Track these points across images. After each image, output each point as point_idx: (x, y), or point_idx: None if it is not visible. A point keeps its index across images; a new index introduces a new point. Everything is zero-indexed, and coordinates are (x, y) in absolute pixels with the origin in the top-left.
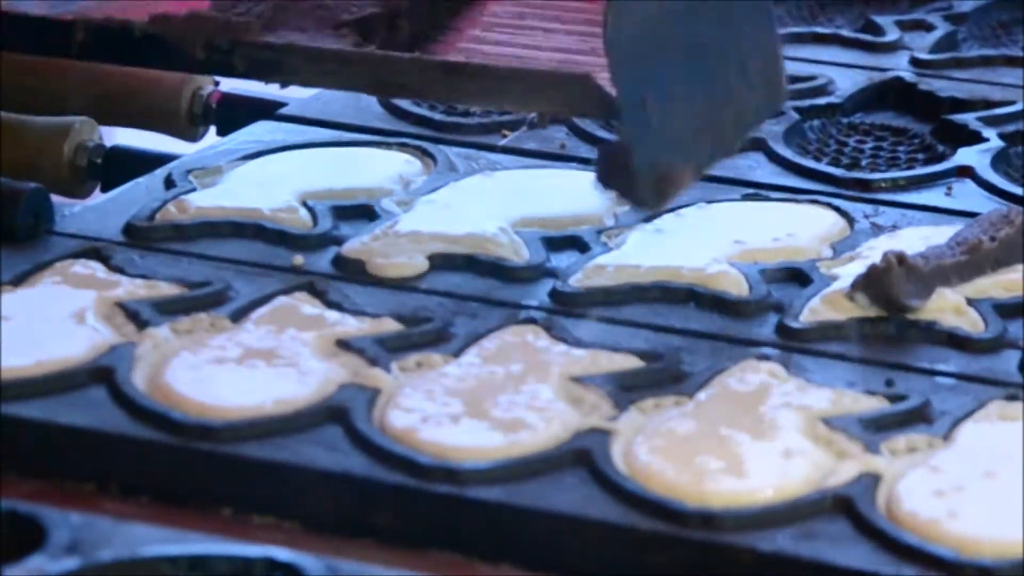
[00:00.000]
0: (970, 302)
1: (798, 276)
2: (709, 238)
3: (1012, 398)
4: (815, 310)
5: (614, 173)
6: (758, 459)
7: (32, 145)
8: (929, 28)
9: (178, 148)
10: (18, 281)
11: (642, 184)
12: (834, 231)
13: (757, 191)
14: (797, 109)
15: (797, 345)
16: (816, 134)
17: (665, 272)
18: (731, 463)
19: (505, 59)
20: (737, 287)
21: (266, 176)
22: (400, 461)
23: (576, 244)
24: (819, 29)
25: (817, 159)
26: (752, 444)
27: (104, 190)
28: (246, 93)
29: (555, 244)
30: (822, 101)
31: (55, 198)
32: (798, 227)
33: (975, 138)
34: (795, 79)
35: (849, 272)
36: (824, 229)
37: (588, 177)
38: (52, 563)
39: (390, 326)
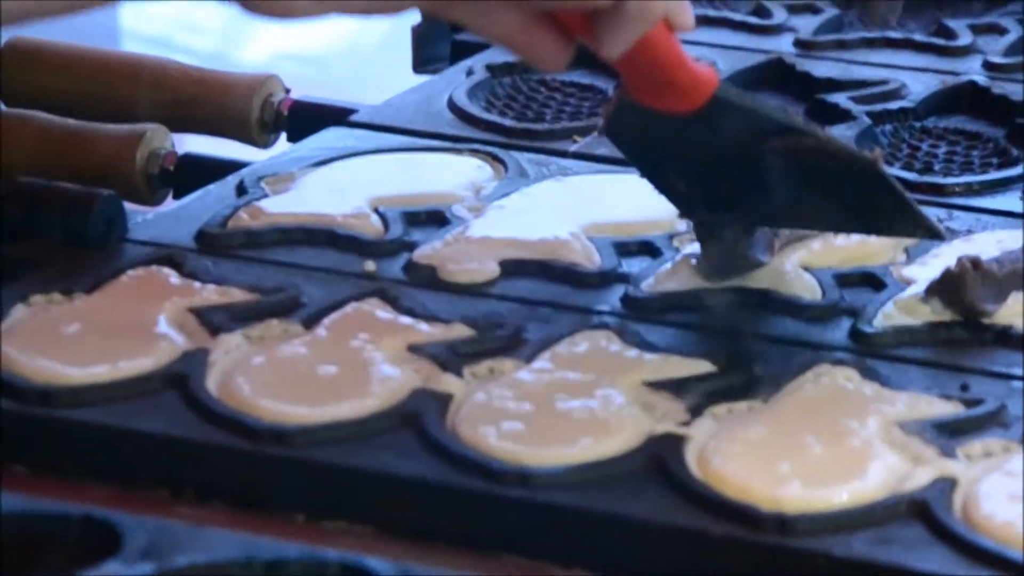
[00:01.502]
0: None
1: (872, 280)
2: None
3: None
4: (889, 315)
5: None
6: (833, 463)
7: (104, 153)
8: (1002, 32)
9: (249, 155)
10: (91, 288)
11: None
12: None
13: None
14: (869, 114)
15: (871, 350)
16: (888, 138)
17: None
18: (806, 467)
19: None
20: (810, 292)
21: (337, 182)
22: (473, 466)
23: (648, 249)
24: (891, 34)
25: (890, 164)
26: (827, 448)
27: (176, 197)
28: (317, 100)
29: (627, 249)
30: (894, 106)
31: (127, 205)
32: None
33: None
34: (867, 83)
35: (923, 277)
36: None
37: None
38: (128, 568)
39: (462, 332)
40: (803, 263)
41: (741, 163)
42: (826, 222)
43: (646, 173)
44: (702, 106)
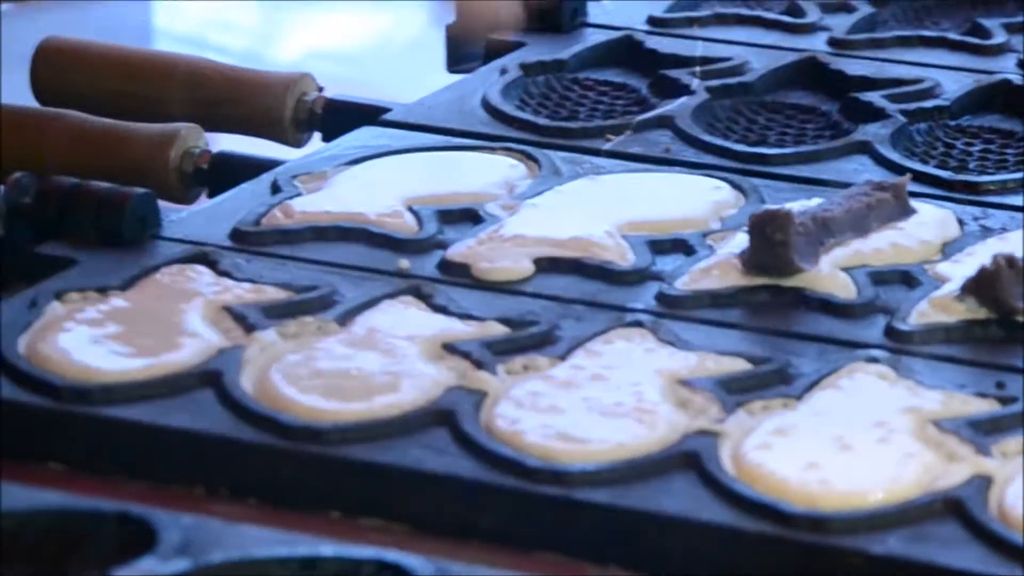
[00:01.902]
0: None
1: (907, 278)
2: None
3: None
4: (924, 313)
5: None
6: (867, 461)
7: (139, 151)
8: None
9: (283, 153)
10: (126, 286)
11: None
12: (943, 234)
13: None
14: (904, 112)
15: (906, 348)
16: (923, 137)
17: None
18: (840, 465)
19: None
20: (845, 290)
21: (371, 181)
22: (507, 463)
23: (682, 247)
24: (925, 32)
25: (924, 162)
26: (861, 446)
27: (210, 196)
28: (351, 99)
29: (661, 247)
30: (929, 104)
31: (162, 203)
32: (907, 228)
33: None
34: (901, 82)
35: (958, 274)
36: (932, 232)
37: (692, 180)
38: (163, 564)
39: (496, 329)
40: (838, 262)
41: None
42: None
43: None
44: None
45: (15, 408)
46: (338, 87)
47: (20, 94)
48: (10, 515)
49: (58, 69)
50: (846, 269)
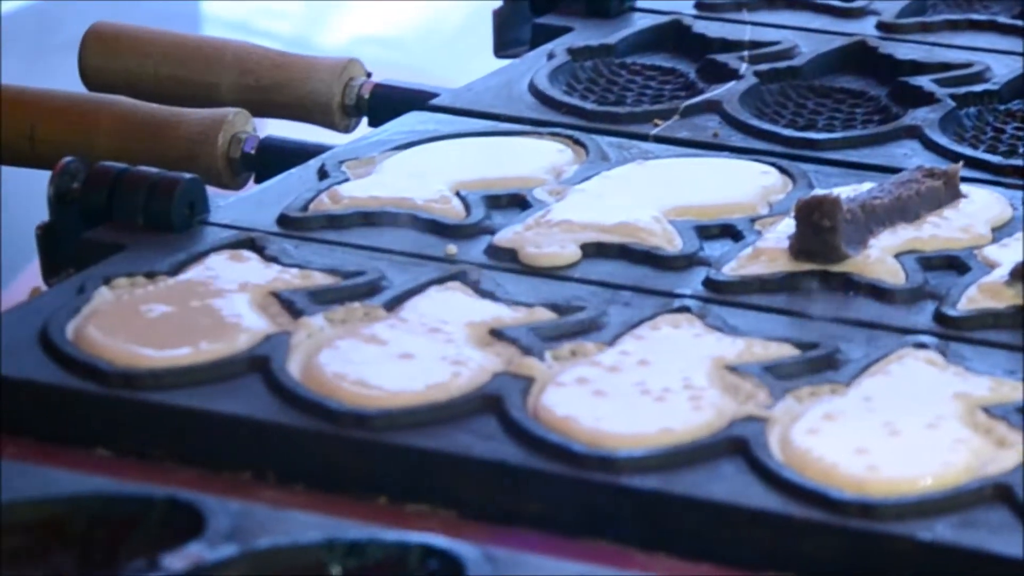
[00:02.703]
0: None
1: (956, 264)
2: None
3: None
4: (973, 298)
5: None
6: (916, 447)
7: (187, 137)
8: None
9: (330, 139)
10: (174, 271)
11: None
12: (992, 219)
13: None
14: (953, 96)
15: (955, 333)
16: (972, 121)
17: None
18: (889, 451)
19: None
20: (894, 275)
21: (419, 166)
22: (554, 449)
23: (730, 232)
24: (975, 16)
25: (974, 147)
26: (910, 432)
27: (258, 181)
28: (398, 84)
29: (708, 232)
30: (978, 88)
31: (209, 189)
32: (956, 213)
33: None
34: (951, 66)
35: (1008, 260)
36: (982, 217)
37: (740, 165)
38: (211, 550)
39: (543, 315)
40: (887, 247)
41: None
42: None
43: None
44: None
45: (64, 394)
46: (385, 72)
47: (69, 80)
48: (59, 500)
49: (106, 54)
50: (895, 255)
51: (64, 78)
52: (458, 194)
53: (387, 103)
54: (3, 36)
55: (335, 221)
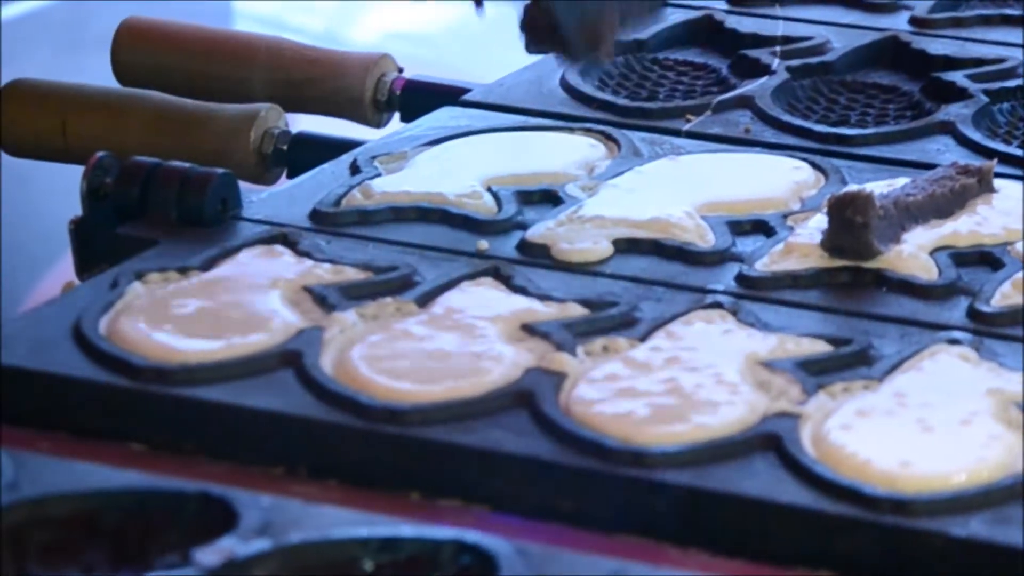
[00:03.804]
0: None
1: (989, 260)
2: None
3: None
4: (1007, 294)
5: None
6: (950, 443)
7: (219, 132)
8: None
9: (362, 134)
10: (206, 266)
11: (571, 38)
12: None
13: None
14: (986, 92)
15: (988, 329)
16: (1006, 117)
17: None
18: (922, 447)
19: None
20: (926, 271)
21: (450, 161)
22: (586, 445)
23: (762, 228)
24: (1008, 11)
25: (1007, 142)
26: (943, 428)
27: (290, 176)
28: (430, 79)
29: (741, 228)
30: (1012, 84)
31: (242, 184)
32: (989, 209)
33: None
34: (983, 61)
35: None
36: (1015, 212)
37: (773, 161)
38: (243, 545)
39: (575, 311)
40: (920, 243)
41: None
42: None
43: None
44: None
45: (96, 388)
46: (416, 68)
47: (101, 75)
48: (92, 495)
49: (139, 50)
50: (928, 251)
51: (97, 73)
52: (490, 190)
53: (419, 98)
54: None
55: (367, 216)
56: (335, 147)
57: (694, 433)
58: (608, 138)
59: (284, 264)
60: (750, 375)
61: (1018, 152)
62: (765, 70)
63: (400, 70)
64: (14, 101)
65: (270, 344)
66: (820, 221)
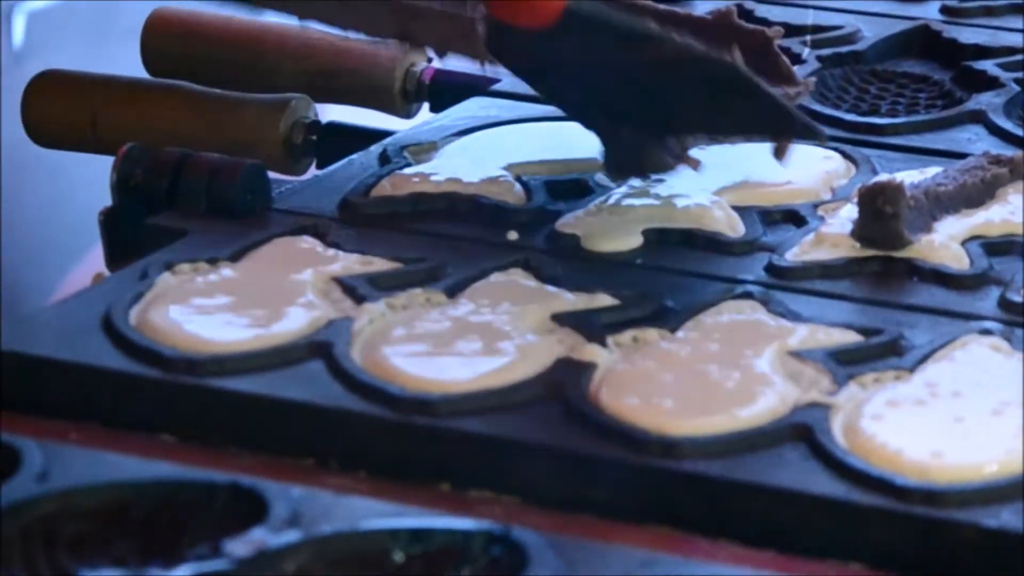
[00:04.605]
0: None
1: (1020, 249)
2: None
3: None
4: None
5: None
6: (982, 434)
7: (249, 122)
8: None
9: (392, 125)
10: (236, 257)
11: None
12: None
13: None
14: (1017, 81)
15: (1020, 319)
16: None
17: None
18: (953, 438)
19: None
20: (957, 261)
21: (480, 151)
22: (617, 436)
23: (792, 218)
24: None
25: None
26: (975, 419)
27: (319, 167)
28: (459, 70)
29: (771, 218)
30: None
31: (271, 175)
32: (1019, 199)
33: None
34: (1014, 50)
35: None
36: None
37: (803, 151)
38: (274, 536)
39: (605, 301)
40: (951, 233)
41: (611, 74)
42: (709, 126)
43: (537, 89)
44: (558, 21)
45: (126, 379)
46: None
47: (131, 65)
48: (122, 486)
49: (168, 40)
50: (959, 240)
51: (126, 64)
52: (519, 179)
53: (448, 89)
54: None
55: (397, 207)
56: (364, 137)
57: (724, 424)
58: None
59: (313, 255)
60: (780, 366)
61: None
62: (796, 59)
63: (429, 60)
64: (44, 92)
65: (300, 335)
66: (851, 211)
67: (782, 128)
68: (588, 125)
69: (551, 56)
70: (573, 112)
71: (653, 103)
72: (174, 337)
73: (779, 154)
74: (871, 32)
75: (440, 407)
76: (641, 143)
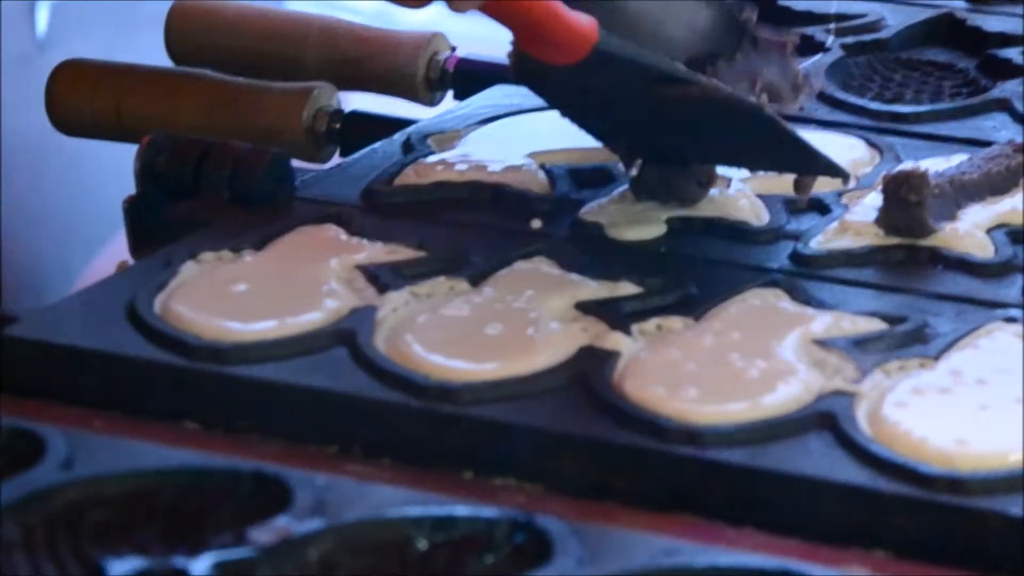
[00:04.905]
0: None
1: None
2: None
3: None
4: None
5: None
6: (1007, 421)
7: (272, 111)
8: None
9: (415, 113)
10: (259, 245)
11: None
12: None
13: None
14: None
15: None
16: None
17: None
18: (978, 425)
19: None
20: (982, 249)
21: (504, 140)
22: (641, 424)
23: (817, 206)
24: None
25: None
26: (1000, 406)
27: (343, 155)
28: (483, 58)
29: (796, 206)
30: None
31: (294, 163)
32: None
33: None
34: None
35: None
36: None
37: (827, 138)
38: (298, 523)
39: (629, 289)
40: (976, 221)
41: (638, 108)
42: (736, 160)
43: (564, 113)
44: (587, 57)
45: (151, 367)
46: (470, 46)
47: (155, 54)
48: (147, 474)
49: (192, 29)
50: (984, 229)
51: (150, 52)
52: (543, 167)
53: (472, 77)
54: (89, 11)
55: (420, 195)
56: (388, 125)
57: (749, 412)
58: None
59: (337, 243)
60: (805, 354)
61: None
62: (819, 47)
63: (453, 48)
64: (68, 81)
65: (324, 323)
66: (875, 199)
67: (807, 167)
68: (613, 150)
69: (578, 87)
70: (597, 137)
71: (679, 137)
72: (198, 325)
73: (802, 191)
74: (895, 20)
75: (464, 395)
76: (667, 172)
